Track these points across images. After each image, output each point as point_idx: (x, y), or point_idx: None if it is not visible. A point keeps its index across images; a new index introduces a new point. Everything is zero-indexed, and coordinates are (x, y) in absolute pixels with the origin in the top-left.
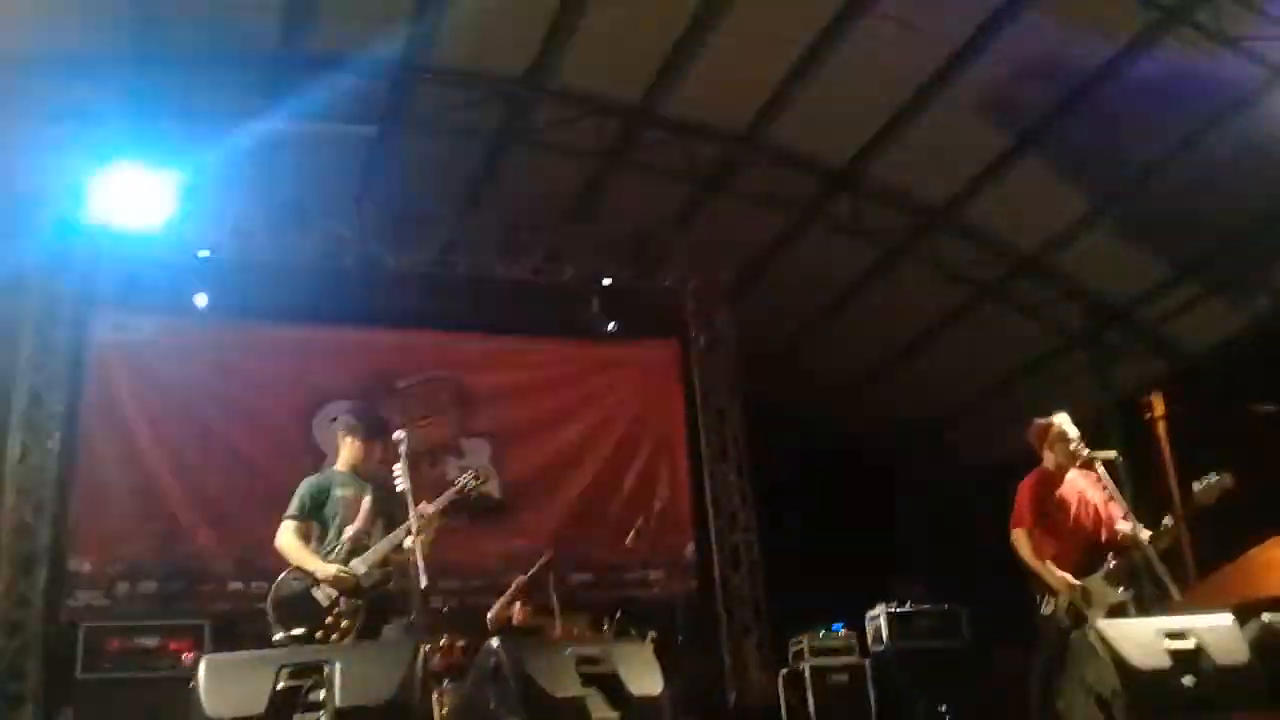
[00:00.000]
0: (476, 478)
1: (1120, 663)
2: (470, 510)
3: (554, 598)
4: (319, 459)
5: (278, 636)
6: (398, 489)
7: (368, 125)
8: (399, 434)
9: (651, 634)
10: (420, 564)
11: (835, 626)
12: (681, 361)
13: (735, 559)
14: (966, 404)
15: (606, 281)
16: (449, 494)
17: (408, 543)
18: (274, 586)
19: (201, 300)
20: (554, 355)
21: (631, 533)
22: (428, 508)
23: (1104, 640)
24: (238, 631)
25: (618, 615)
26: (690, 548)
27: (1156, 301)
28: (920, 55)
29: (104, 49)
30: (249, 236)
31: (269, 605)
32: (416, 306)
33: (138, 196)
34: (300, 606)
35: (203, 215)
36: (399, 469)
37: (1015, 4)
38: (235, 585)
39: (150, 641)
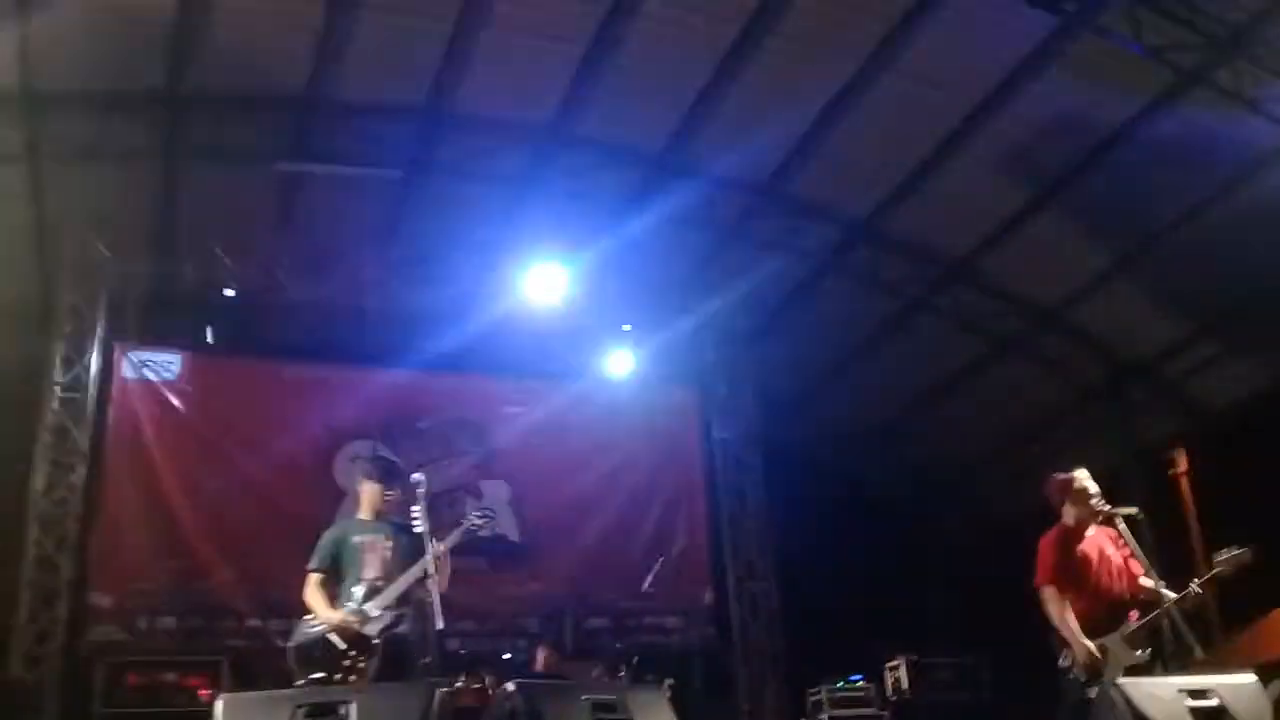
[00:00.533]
0: (483, 516)
1: None
2: (488, 554)
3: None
4: (339, 497)
5: (298, 683)
6: (416, 530)
7: (392, 169)
8: (417, 476)
9: (668, 681)
10: (437, 605)
11: (854, 677)
12: (701, 408)
13: (754, 607)
14: (986, 456)
15: (627, 327)
16: (457, 533)
17: (427, 583)
18: (295, 633)
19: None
20: (575, 400)
21: (650, 577)
22: (439, 547)
23: (1126, 698)
24: (255, 668)
25: (634, 661)
26: (709, 595)
27: (1178, 357)
28: (942, 111)
29: (135, 85)
30: (272, 276)
31: (290, 653)
32: (438, 348)
33: (166, 236)
34: (318, 652)
35: (228, 255)
36: (418, 510)
37: (1037, 62)
38: (253, 622)
39: (169, 677)
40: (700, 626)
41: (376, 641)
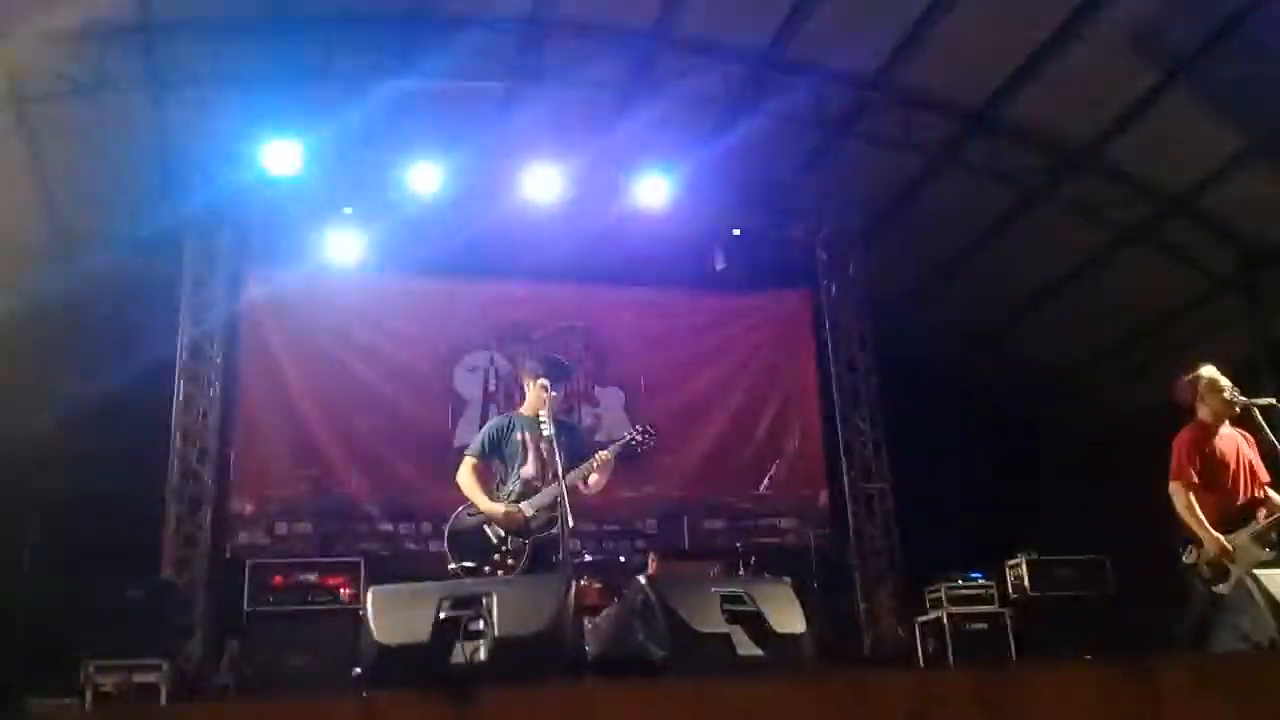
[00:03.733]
0: (644, 433)
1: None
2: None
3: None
4: (460, 407)
5: (451, 566)
6: (544, 434)
7: (495, 82)
8: (544, 382)
9: (786, 579)
10: (567, 506)
11: (973, 575)
12: (813, 310)
13: (869, 508)
14: (1107, 352)
15: (737, 231)
16: (618, 445)
17: (580, 486)
18: (452, 519)
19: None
20: (686, 305)
21: (765, 479)
22: (605, 454)
23: (1263, 589)
24: (388, 569)
25: (751, 561)
26: (824, 496)
27: None
28: None
29: (245, 12)
30: (388, 191)
31: (446, 536)
32: (551, 258)
33: (282, 157)
34: (472, 541)
35: (345, 172)
36: (544, 414)
37: None
38: (384, 526)
39: (310, 577)
40: (816, 527)
41: (528, 541)
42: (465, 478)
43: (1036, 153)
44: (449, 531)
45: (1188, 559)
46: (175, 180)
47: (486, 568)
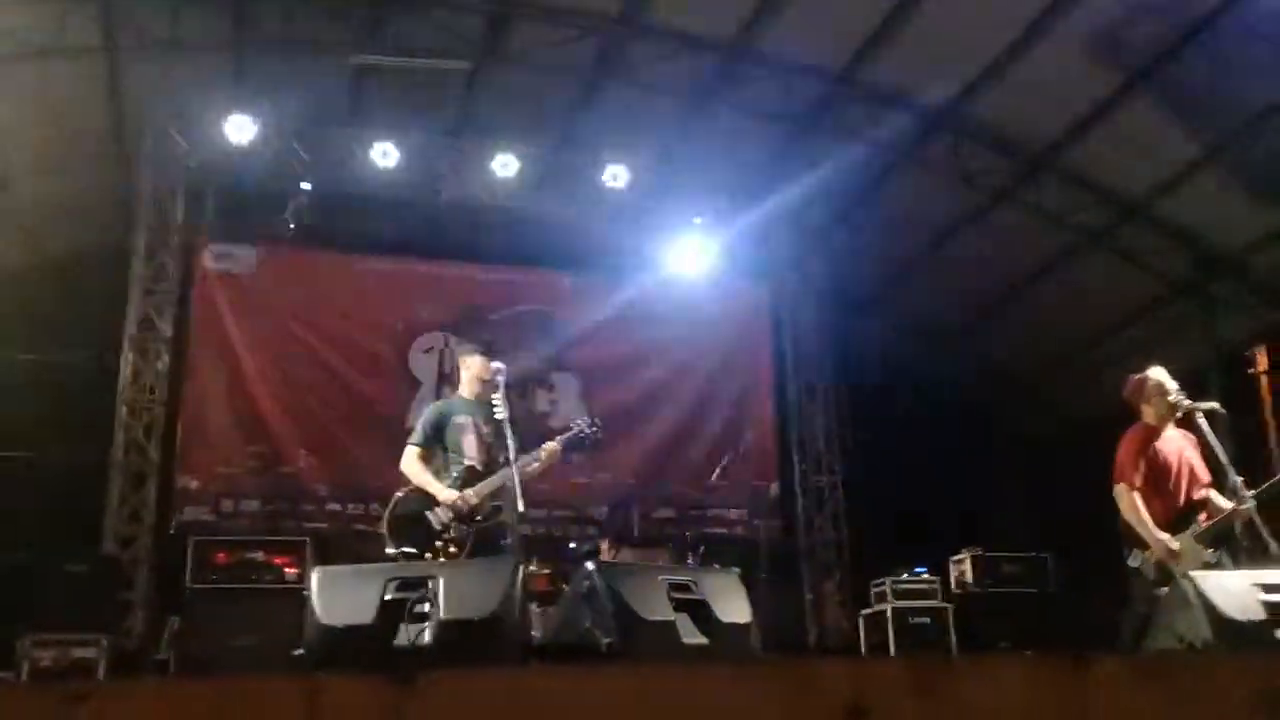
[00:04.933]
0: (593, 426)
1: (1213, 613)
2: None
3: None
4: (414, 387)
5: (390, 550)
6: (497, 418)
7: (462, 61)
8: (497, 364)
9: (734, 569)
10: (518, 490)
11: (918, 569)
12: (772, 303)
13: (819, 500)
14: (1063, 354)
15: (698, 220)
16: (568, 435)
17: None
18: (392, 503)
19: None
20: (645, 293)
21: (717, 469)
22: (553, 446)
23: (1198, 591)
24: (335, 549)
25: (700, 550)
26: (775, 487)
27: (1268, 251)
28: None
29: None
30: (347, 169)
31: (385, 520)
32: (508, 242)
33: (241, 129)
34: (414, 526)
35: (305, 146)
36: (498, 399)
37: None
38: (333, 506)
39: (256, 555)
40: (766, 518)
41: (471, 527)
42: (412, 465)
43: (998, 154)
44: (389, 517)
45: (1132, 562)
46: (130, 149)
47: (428, 554)
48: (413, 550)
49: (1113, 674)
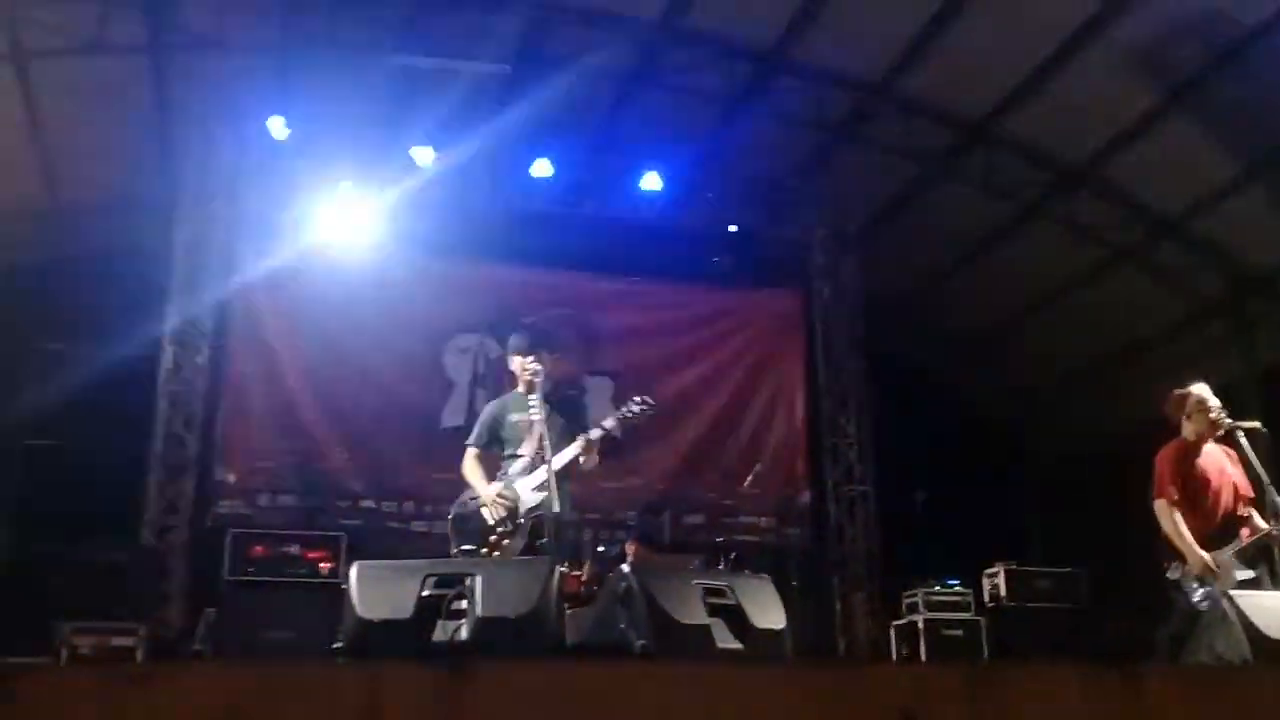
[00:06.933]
0: (641, 404)
1: (1252, 631)
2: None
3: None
4: (448, 388)
5: (453, 551)
6: (533, 418)
7: (501, 64)
8: (536, 366)
9: (766, 576)
10: (554, 489)
11: (950, 581)
12: (804, 311)
13: (851, 510)
14: (1095, 370)
15: (733, 228)
16: (615, 419)
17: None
18: (455, 504)
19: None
20: (678, 299)
21: (749, 476)
22: (597, 432)
23: (1237, 609)
24: (369, 546)
25: (732, 556)
26: (806, 496)
27: None
28: (1068, 6)
29: None
30: (387, 170)
31: (450, 521)
32: (544, 244)
33: (282, 128)
34: (472, 524)
35: (344, 147)
36: (535, 400)
37: None
38: (367, 503)
39: (292, 549)
40: (796, 526)
41: (522, 520)
42: (466, 465)
43: (1033, 168)
44: (453, 516)
45: (1172, 575)
46: (173, 146)
47: (483, 550)
48: (471, 548)
49: (1163, 687)
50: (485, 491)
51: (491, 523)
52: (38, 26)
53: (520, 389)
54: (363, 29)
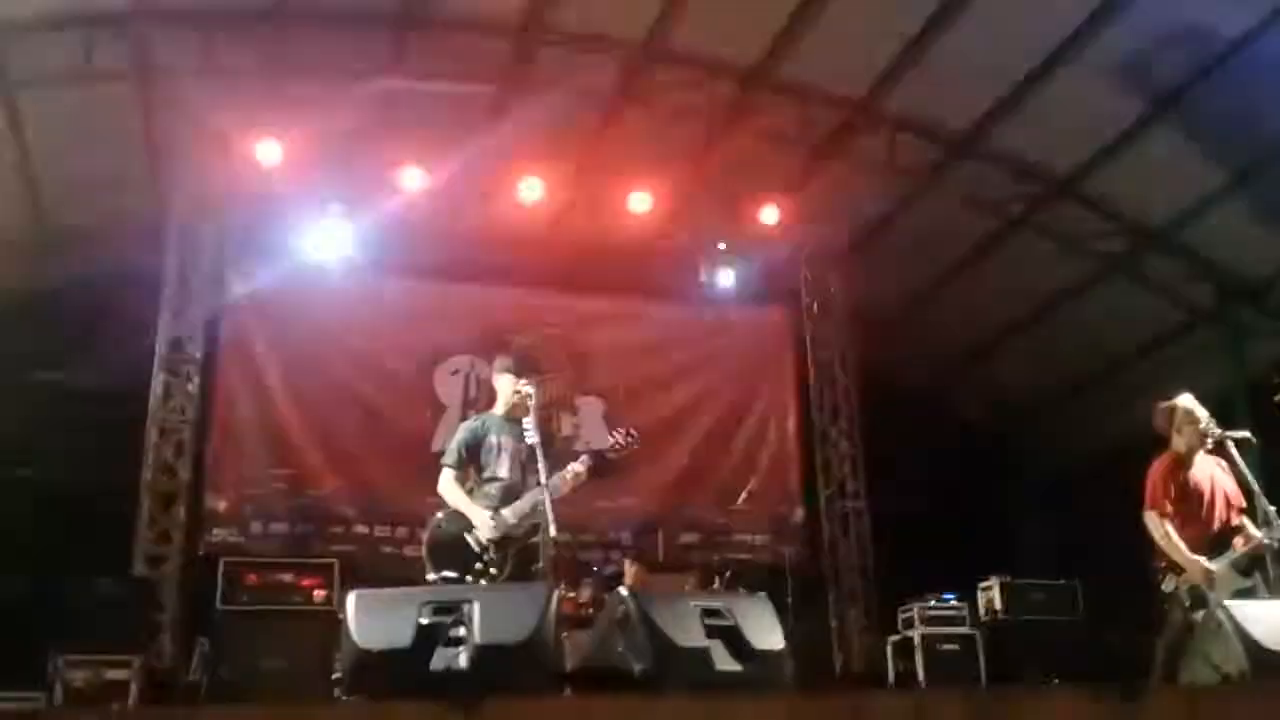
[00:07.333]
0: (628, 437)
1: (1248, 642)
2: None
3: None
4: (440, 411)
5: (430, 577)
6: (528, 441)
7: (485, 85)
8: (528, 387)
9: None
10: (550, 514)
11: (946, 596)
12: (794, 327)
13: (844, 526)
14: (1084, 382)
15: (722, 245)
16: (600, 451)
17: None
18: (429, 529)
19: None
20: (668, 317)
21: (743, 494)
22: (582, 464)
23: (1233, 620)
24: (363, 572)
25: (727, 575)
26: (799, 513)
27: None
28: (1052, 19)
29: (235, 4)
30: (375, 193)
31: (424, 547)
32: (535, 266)
33: (270, 152)
34: (454, 551)
35: (332, 171)
36: (529, 422)
37: None
38: (360, 529)
39: (285, 577)
40: (790, 544)
41: (509, 549)
42: (448, 488)
43: (1019, 181)
44: (427, 543)
45: (1167, 588)
46: (160, 173)
47: (468, 577)
48: (453, 575)
49: (1166, 708)
50: (479, 517)
51: (478, 549)
52: (24, 57)
53: (498, 410)
54: (349, 52)
